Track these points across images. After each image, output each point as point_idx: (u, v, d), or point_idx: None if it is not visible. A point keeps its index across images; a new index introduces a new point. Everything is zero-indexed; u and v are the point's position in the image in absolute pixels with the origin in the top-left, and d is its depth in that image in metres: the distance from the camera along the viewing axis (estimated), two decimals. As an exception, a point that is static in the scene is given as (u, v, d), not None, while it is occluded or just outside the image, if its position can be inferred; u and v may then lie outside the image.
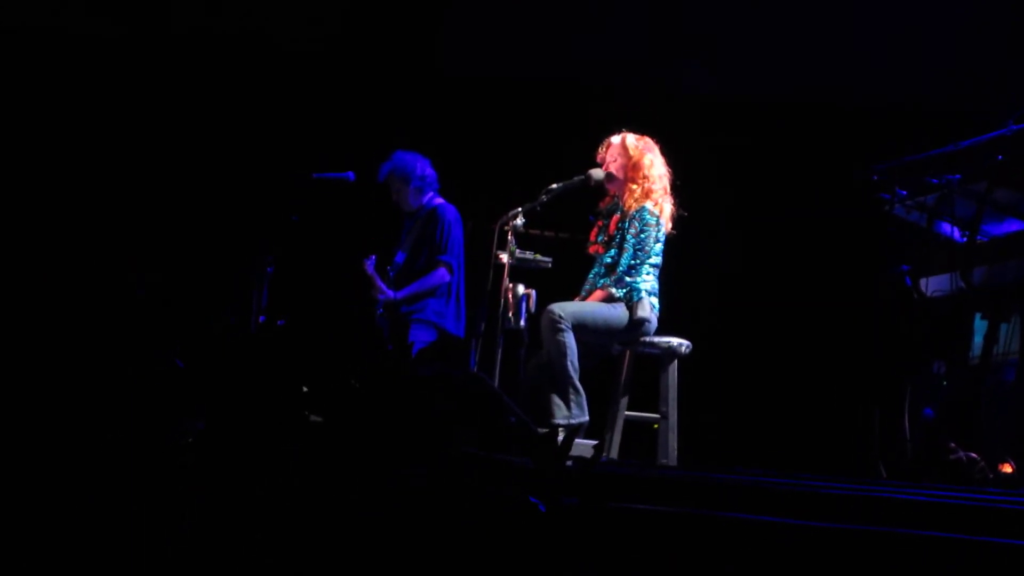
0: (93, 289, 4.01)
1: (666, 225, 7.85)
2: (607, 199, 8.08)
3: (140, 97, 10.45)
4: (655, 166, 7.93)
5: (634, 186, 7.88)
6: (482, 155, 10.37)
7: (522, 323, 7.64)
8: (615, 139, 8.05)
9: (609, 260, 7.85)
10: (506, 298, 7.65)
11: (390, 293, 8.82)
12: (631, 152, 7.94)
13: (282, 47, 10.56)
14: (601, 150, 8.08)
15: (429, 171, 9.06)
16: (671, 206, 7.90)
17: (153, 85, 10.48)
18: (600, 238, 7.99)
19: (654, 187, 7.86)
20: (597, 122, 8.40)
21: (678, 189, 7.99)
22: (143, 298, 4.03)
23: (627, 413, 7.82)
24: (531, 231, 7.90)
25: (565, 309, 7.58)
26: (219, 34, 10.47)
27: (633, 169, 7.91)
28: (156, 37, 10.48)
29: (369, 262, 8.89)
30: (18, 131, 10.15)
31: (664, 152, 8.07)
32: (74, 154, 10.25)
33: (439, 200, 9.07)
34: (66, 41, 10.43)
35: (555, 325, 7.51)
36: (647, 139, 8.05)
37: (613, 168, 7.97)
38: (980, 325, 6.90)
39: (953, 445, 6.41)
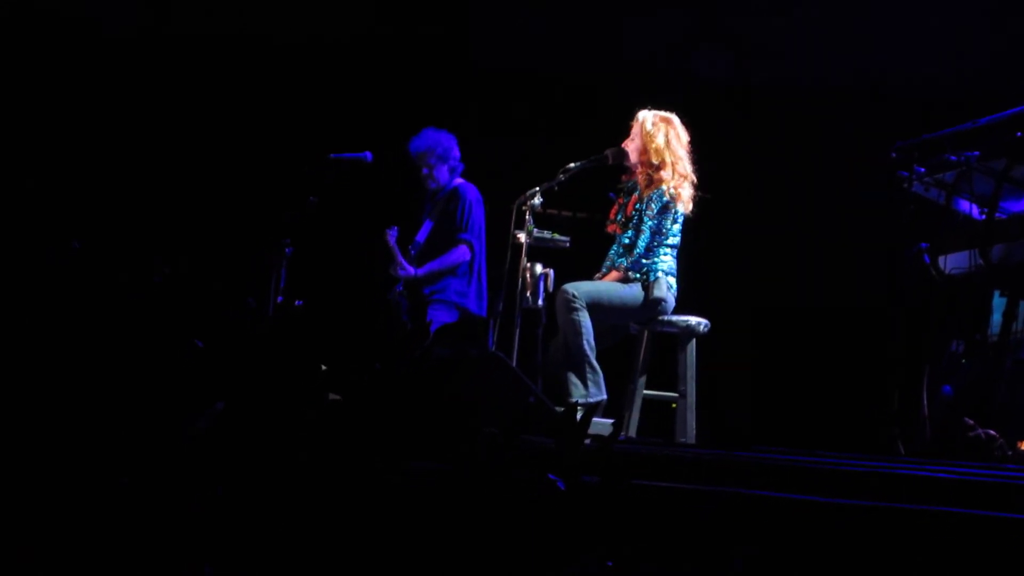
0: (111, 275, 4.02)
1: (686, 206, 7.83)
2: (628, 176, 8.06)
3: (160, 82, 10.47)
4: (672, 147, 7.88)
5: (651, 167, 7.87)
6: (502, 136, 10.38)
7: (540, 303, 7.65)
8: (639, 116, 8.02)
9: (627, 240, 7.84)
10: (524, 278, 7.67)
11: (411, 270, 8.80)
12: (648, 132, 7.91)
13: (295, 35, 10.56)
14: (631, 124, 8.06)
15: (459, 153, 9.07)
16: (691, 187, 7.87)
17: (175, 70, 10.50)
18: (619, 217, 7.99)
19: (669, 170, 7.82)
20: (619, 105, 8.40)
21: (701, 171, 7.97)
22: (160, 284, 4.04)
23: (645, 392, 7.84)
24: (549, 210, 7.90)
25: (579, 289, 7.58)
26: (241, 23, 10.48)
27: (647, 151, 7.89)
28: (180, 24, 10.49)
29: (391, 233, 8.85)
30: (38, 118, 10.18)
31: (689, 132, 8.05)
32: (92, 140, 10.28)
33: (459, 180, 9.07)
34: (86, 28, 10.45)
35: (569, 305, 7.51)
36: (669, 118, 8.01)
37: (631, 148, 7.96)
38: (999, 303, 6.89)
39: (971, 423, 6.40)
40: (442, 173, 9.02)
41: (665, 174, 7.80)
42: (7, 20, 10.25)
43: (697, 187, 7.92)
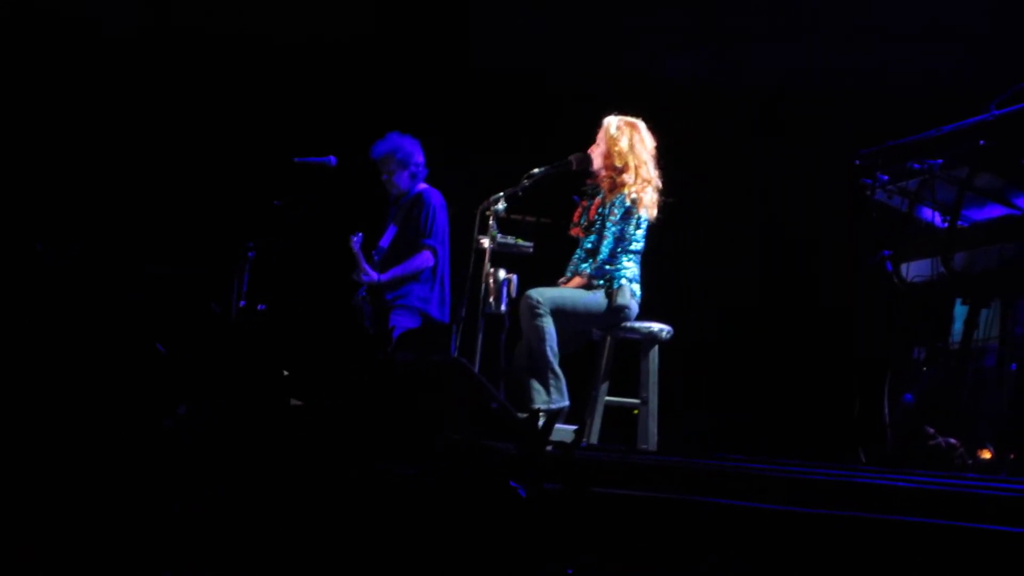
0: (76, 281, 4.00)
1: (649, 212, 7.82)
2: (592, 180, 8.06)
3: (126, 85, 10.43)
4: (636, 151, 7.88)
5: (614, 172, 7.87)
6: (465, 140, 10.38)
7: (503, 308, 7.64)
8: (604, 121, 8.02)
9: (589, 245, 7.84)
10: (487, 283, 7.65)
11: (374, 275, 8.79)
12: (613, 137, 7.91)
13: (263, 39, 10.53)
14: (598, 130, 8.06)
15: (422, 158, 9.06)
16: (654, 192, 7.87)
17: (140, 73, 10.46)
18: (582, 221, 7.98)
19: (631, 175, 7.82)
20: (584, 110, 8.40)
21: (666, 176, 7.96)
22: (124, 287, 4.02)
23: (607, 398, 7.83)
24: (512, 216, 7.89)
25: (543, 294, 7.57)
26: (208, 23, 10.46)
27: (613, 154, 7.89)
28: (145, 25, 10.45)
29: (356, 239, 8.84)
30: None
31: (655, 138, 8.04)
32: (56, 142, 10.22)
33: (423, 185, 9.06)
34: (45, 24, 10.40)
35: (533, 311, 7.51)
36: (634, 122, 8.00)
37: (596, 152, 7.96)
38: (960, 311, 6.91)
39: (933, 431, 6.43)
40: (402, 179, 9.01)
41: (628, 178, 7.79)
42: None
43: (661, 192, 7.91)
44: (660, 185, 7.91)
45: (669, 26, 10.18)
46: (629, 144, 7.89)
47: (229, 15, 10.29)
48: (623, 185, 7.79)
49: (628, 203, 7.74)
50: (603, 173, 7.93)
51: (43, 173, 10.08)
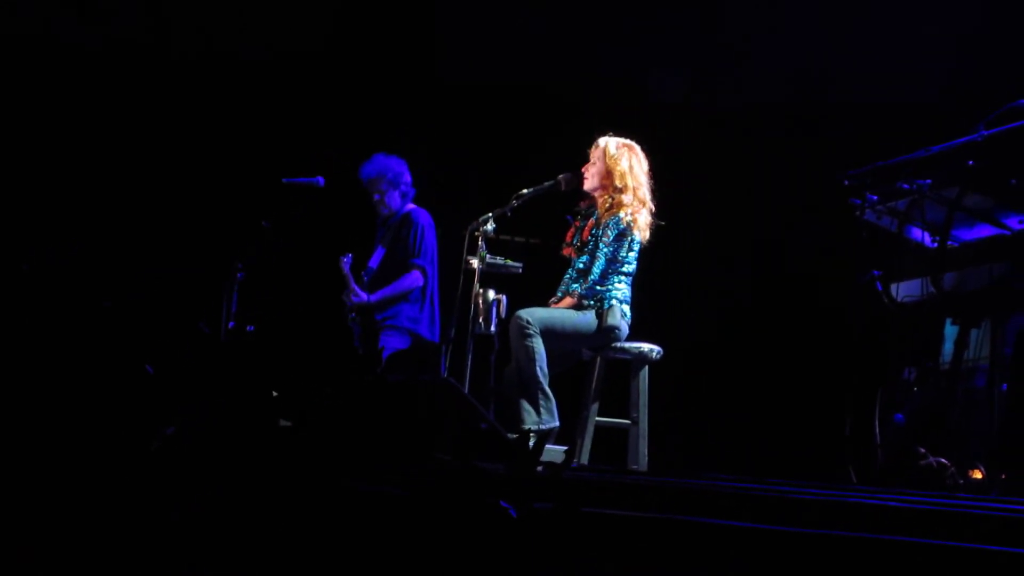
0: (63, 298, 3.99)
1: (642, 234, 7.81)
2: (586, 200, 8.06)
3: (112, 104, 10.42)
4: (634, 173, 7.88)
5: (610, 193, 7.86)
6: (453, 160, 10.38)
7: (492, 328, 7.63)
8: (600, 141, 8.02)
9: (581, 265, 7.83)
10: (476, 303, 7.65)
11: (364, 296, 8.79)
12: (610, 158, 7.90)
13: (246, 55, 10.53)
14: (591, 150, 8.05)
15: (410, 177, 9.07)
16: (648, 215, 7.86)
17: (126, 92, 10.45)
18: (575, 241, 7.98)
19: (630, 195, 7.81)
20: (574, 127, 8.40)
21: (657, 198, 7.96)
22: (111, 307, 4.01)
23: (598, 419, 7.82)
24: (501, 236, 7.89)
25: (533, 315, 7.56)
26: (195, 42, 10.45)
27: (610, 176, 7.88)
28: (131, 45, 10.44)
29: (346, 260, 8.85)
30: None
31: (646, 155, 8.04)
32: (45, 162, 10.21)
33: (411, 205, 9.07)
34: (33, 46, 10.39)
35: (523, 331, 7.50)
36: (631, 144, 8.01)
37: (592, 172, 7.96)
38: (951, 331, 6.91)
39: (923, 451, 6.42)
40: (393, 199, 9.02)
41: (626, 198, 7.79)
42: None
43: (654, 214, 7.91)
44: (653, 208, 7.91)
45: (660, 37, 10.20)
46: (628, 165, 7.89)
47: (223, 32, 10.29)
48: (620, 206, 7.78)
49: (623, 225, 7.73)
50: (600, 193, 7.92)
51: (32, 192, 10.05)
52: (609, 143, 7.99)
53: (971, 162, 6.56)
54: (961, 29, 9.21)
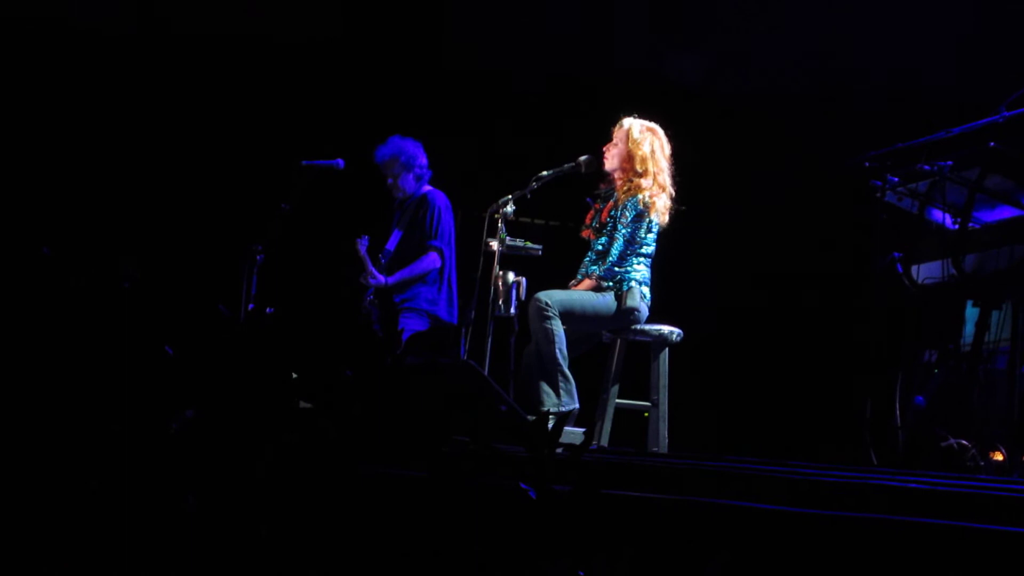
0: (81, 280, 3.98)
1: (660, 216, 7.79)
2: (606, 183, 8.04)
3: (130, 88, 10.42)
4: (656, 158, 7.84)
5: (629, 176, 7.84)
6: (473, 143, 10.37)
7: (512, 311, 7.63)
8: (625, 122, 7.98)
9: (600, 247, 7.82)
10: (496, 286, 7.64)
11: (381, 278, 8.80)
12: (632, 142, 7.87)
13: (272, 38, 10.52)
14: (614, 129, 8.02)
15: (426, 160, 9.06)
16: (667, 198, 7.84)
17: (143, 76, 10.45)
18: (594, 223, 7.96)
19: (650, 180, 7.79)
20: (594, 113, 8.38)
21: (677, 182, 7.94)
22: (130, 289, 4.00)
23: (618, 401, 7.81)
24: (521, 219, 7.88)
25: (552, 297, 7.56)
26: (213, 26, 10.44)
27: (631, 159, 7.85)
28: (147, 29, 10.44)
29: (362, 242, 8.85)
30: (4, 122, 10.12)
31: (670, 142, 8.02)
32: (62, 144, 10.21)
33: (428, 187, 9.06)
34: (52, 30, 10.39)
35: (542, 313, 7.49)
36: (655, 128, 7.97)
37: (613, 153, 7.93)
38: (971, 312, 6.90)
39: (944, 432, 6.41)
40: (408, 181, 9.02)
41: (645, 182, 7.76)
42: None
43: (674, 199, 7.88)
44: (673, 193, 7.89)
45: (672, 27, 10.19)
46: (651, 149, 7.85)
47: (234, 16, 10.28)
48: (639, 189, 7.75)
49: (641, 207, 7.71)
50: (620, 175, 7.89)
51: (48, 177, 10.06)
52: (633, 125, 7.95)
53: (992, 143, 6.54)
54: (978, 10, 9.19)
